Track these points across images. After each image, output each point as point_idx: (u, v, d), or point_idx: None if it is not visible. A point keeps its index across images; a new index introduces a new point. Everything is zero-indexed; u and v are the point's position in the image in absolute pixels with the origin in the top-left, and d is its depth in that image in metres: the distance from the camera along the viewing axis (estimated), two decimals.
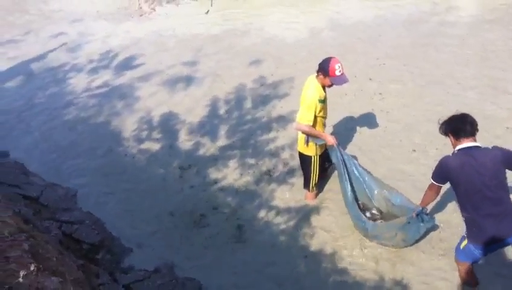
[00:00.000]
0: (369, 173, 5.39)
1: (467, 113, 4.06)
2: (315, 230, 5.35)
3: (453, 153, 4.02)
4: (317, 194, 5.82)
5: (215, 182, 6.29)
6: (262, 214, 5.66)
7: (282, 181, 6.17)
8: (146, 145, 7.19)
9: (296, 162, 6.35)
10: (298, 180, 6.08)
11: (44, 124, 8.06)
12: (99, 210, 5.94)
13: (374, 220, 5.18)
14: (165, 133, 7.41)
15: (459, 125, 3.97)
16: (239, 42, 10.39)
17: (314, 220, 5.49)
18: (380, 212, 5.31)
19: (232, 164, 6.59)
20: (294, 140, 6.81)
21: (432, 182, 4.18)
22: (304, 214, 5.58)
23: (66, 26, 12.33)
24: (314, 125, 5.06)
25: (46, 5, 13.95)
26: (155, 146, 7.13)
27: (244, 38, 10.55)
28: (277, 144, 6.90)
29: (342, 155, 5.18)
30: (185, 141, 7.17)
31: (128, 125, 7.75)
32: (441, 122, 4.13)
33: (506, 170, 3.91)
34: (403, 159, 6.32)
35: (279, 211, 5.66)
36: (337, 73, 4.88)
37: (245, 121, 7.51)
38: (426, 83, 7.97)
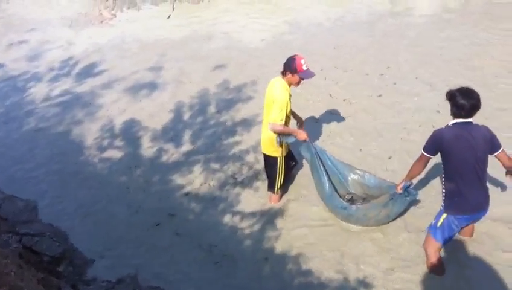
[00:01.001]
0: (340, 161, 5.52)
1: (478, 94, 4.10)
2: (280, 232, 5.32)
3: (446, 126, 4.19)
4: (281, 197, 5.81)
5: (180, 188, 6.22)
6: (227, 219, 5.61)
7: (247, 185, 6.14)
8: (108, 153, 7.07)
9: (261, 165, 6.35)
10: (263, 183, 6.05)
11: (2, 134, 7.86)
12: (61, 221, 5.85)
13: (354, 204, 5.30)
14: (127, 141, 7.31)
15: (466, 107, 4.05)
16: (202, 46, 10.35)
17: (279, 222, 5.46)
18: (358, 196, 5.45)
19: (197, 169, 6.53)
20: (259, 143, 6.81)
21: (423, 153, 4.31)
22: (269, 218, 5.55)
23: (25, 33, 12.11)
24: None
25: (4, 13, 13.66)
26: (117, 154, 7.02)
27: (207, 42, 10.53)
28: (241, 147, 6.87)
29: (314, 149, 5.29)
30: (148, 148, 7.08)
31: (90, 133, 7.62)
32: (452, 89, 4.17)
33: None
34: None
35: (243, 216, 5.62)
36: (304, 68, 5.01)
37: (209, 125, 7.47)
38: (386, 84, 8.07)
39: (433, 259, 4.49)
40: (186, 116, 7.81)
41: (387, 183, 5.14)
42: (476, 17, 10.13)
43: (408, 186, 4.67)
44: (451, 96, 4.15)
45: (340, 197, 5.31)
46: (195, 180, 6.32)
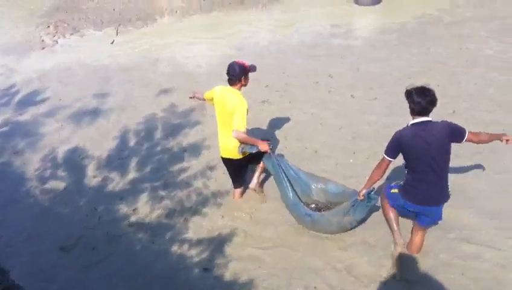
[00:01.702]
0: (302, 170, 5.63)
1: (433, 91, 4.37)
2: (229, 259, 5.23)
3: (405, 127, 4.50)
4: (243, 192, 6.08)
5: (126, 217, 6.04)
6: (175, 247, 5.47)
7: (196, 211, 6.04)
8: (50, 184, 6.81)
9: (209, 190, 6.38)
10: (211, 209, 6.02)
11: None
12: (2, 258, 5.53)
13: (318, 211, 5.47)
14: (71, 170, 7.08)
15: (419, 101, 4.31)
16: (148, 71, 10.22)
17: (228, 249, 5.38)
18: (322, 204, 5.57)
19: (143, 197, 6.38)
20: (207, 168, 6.79)
21: (384, 157, 4.59)
22: (218, 243, 5.46)
23: None
24: None
25: None
26: (60, 184, 6.77)
27: (153, 67, 10.41)
28: (189, 173, 6.77)
29: (277, 160, 5.41)
30: (92, 177, 6.87)
31: (31, 164, 7.32)
32: (410, 87, 4.44)
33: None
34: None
35: (192, 244, 5.50)
36: (247, 64, 5.35)
37: (156, 152, 7.34)
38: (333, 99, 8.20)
39: (385, 209, 4.96)
40: (131, 142, 7.65)
41: (349, 190, 5.31)
42: (412, 38, 10.69)
43: (370, 192, 4.84)
44: (408, 94, 4.42)
45: (305, 205, 5.42)
46: (142, 209, 6.17)
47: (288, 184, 5.38)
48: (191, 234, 5.66)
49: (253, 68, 5.40)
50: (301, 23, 12.12)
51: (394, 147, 4.52)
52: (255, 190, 6.00)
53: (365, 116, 7.73)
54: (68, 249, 5.61)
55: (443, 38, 10.54)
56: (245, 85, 5.40)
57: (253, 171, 5.93)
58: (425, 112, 4.35)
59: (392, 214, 4.91)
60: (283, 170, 5.42)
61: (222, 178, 6.50)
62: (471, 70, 8.99)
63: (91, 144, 7.69)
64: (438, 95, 4.39)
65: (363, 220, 5.32)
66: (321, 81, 9.07)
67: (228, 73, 5.29)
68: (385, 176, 5.31)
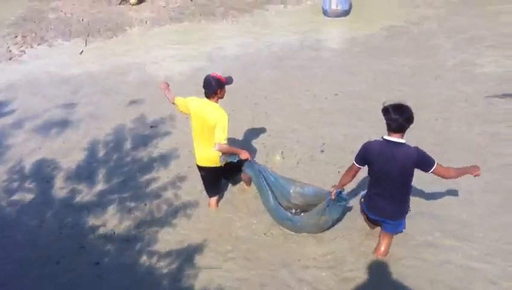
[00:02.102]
0: (281, 176, 5.91)
1: (408, 108, 4.42)
2: (198, 270, 5.23)
3: (377, 139, 4.64)
4: (218, 201, 6.23)
5: (94, 230, 5.98)
6: (143, 259, 5.44)
7: (165, 222, 6.01)
8: (17, 196, 6.69)
9: (179, 201, 6.40)
10: (181, 220, 6.02)
11: None
12: None
13: (297, 214, 5.74)
14: (38, 182, 6.98)
15: (399, 121, 4.37)
16: (118, 81, 10.19)
17: (198, 259, 5.37)
18: (300, 207, 5.82)
19: (112, 209, 6.33)
20: (177, 178, 6.79)
21: (353, 163, 4.80)
22: (187, 255, 5.45)
23: None
24: None
25: None
26: (27, 196, 6.67)
27: (123, 77, 10.37)
28: (159, 184, 6.76)
29: (257, 167, 5.71)
30: (60, 189, 6.78)
31: None
32: (386, 104, 4.47)
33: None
34: None
35: (161, 255, 5.46)
36: (224, 77, 5.45)
37: (125, 163, 7.30)
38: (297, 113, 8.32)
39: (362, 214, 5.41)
40: (100, 153, 7.59)
41: (324, 191, 5.59)
42: (378, 49, 10.95)
43: (340, 193, 5.12)
44: (385, 111, 4.44)
45: (285, 209, 5.70)
46: (110, 221, 6.11)
47: (268, 190, 5.63)
48: (160, 246, 5.63)
49: (229, 80, 5.49)
50: (271, 35, 12.30)
51: (362, 155, 4.70)
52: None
53: (333, 127, 7.84)
54: (32, 261, 5.53)
55: (408, 50, 10.79)
56: (221, 97, 5.48)
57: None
58: (402, 128, 4.41)
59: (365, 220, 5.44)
60: (264, 176, 5.67)
61: (193, 189, 6.52)
62: (436, 82, 9.23)
63: (59, 156, 7.60)
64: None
65: (338, 220, 5.61)
66: (291, 92, 9.17)
67: (204, 86, 5.39)
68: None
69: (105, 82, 10.18)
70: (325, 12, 13.23)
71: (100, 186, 6.79)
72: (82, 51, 11.66)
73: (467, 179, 4.98)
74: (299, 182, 5.94)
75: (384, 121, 4.46)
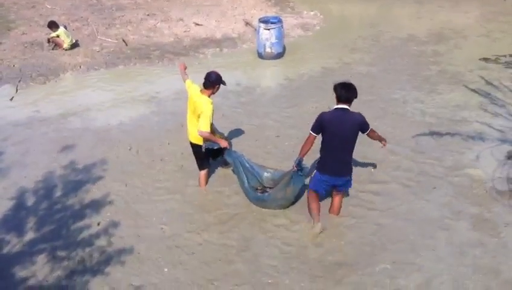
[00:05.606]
0: (256, 163, 7.15)
1: (352, 85, 5.82)
2: None
3: (328, 110, 6.04)
4: (206, 178, 7.37)
5: (22, 281, 5.74)
6: None
7: (98, 271, 5.87)
8: None
9: (113, 248, 6.28)
10: (114, 268, 5.92)
11: None
12: None
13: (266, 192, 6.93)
14: None
15: (342, 92, 5.76)
16: (50, 128, 9.76)
17: None
18: (271, 188, 6.93)
19: (41, 259, 6.10)
20: (111, 224, 6.63)
21: (310, 133, 5.95)
22: None
23: None
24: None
25: None
26: None
27: (55, 123, 9.98)
28: (91, 231, 6.59)
29: (235, 155, 6.90)
30: None
31: None
32: (336, 83, 5.86)
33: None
34: None
35: None
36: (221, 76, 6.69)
37: (56, 210, 7.08)
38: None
39: (309, 201, 6.33)
40: (29, 202, 7.32)
41: (288, 170, 6.55)
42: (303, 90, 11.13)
43: (300, 161, 6.14)
44: (335, 87, 5.82)
45: (257, 189, 6.97)
46: (40, 271, 5.89)
47: (244, 174, 6.80)
48: None
49: (224, 83, 6.67)
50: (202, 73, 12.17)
51: (317, 125, 5.85)
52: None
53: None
54: None
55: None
56: (214, 93, 6.62)
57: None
58: (348, 100, 5.75)
59: (314, 204, 6.24)
60: (240, 163, 6.82)
61: (126, 235, 6.40)
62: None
63: None
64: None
65: (299, 195, 6.84)
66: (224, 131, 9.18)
67: (206, 78, 6.55)
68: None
69: (36, 129, 9.81)
70: (259, 55, 13.52)
71: (30, 236, 6.55)
72: (12, 98, 11.29)
73: None
74: (270, 168, 7.20)
75: None
